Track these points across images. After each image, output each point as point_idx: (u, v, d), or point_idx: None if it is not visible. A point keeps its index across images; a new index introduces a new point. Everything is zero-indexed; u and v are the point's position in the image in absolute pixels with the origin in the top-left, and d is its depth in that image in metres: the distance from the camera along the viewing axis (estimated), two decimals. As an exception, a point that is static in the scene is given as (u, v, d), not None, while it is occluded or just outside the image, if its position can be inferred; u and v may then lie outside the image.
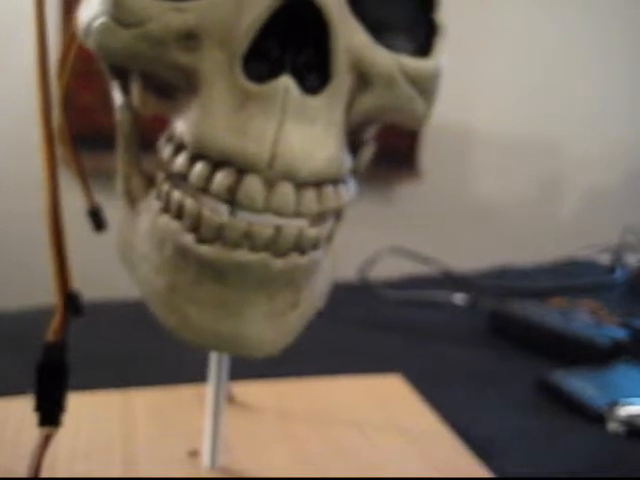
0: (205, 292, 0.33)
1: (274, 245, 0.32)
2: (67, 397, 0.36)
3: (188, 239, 0.32)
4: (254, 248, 0.32)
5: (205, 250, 0.32)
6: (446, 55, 0.39)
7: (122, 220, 0.38)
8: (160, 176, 0.35)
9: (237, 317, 0.33)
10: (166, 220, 0.34)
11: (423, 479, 0.52)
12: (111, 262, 0.42)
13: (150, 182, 0.37)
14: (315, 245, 0.34)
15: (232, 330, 0.33)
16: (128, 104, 0.37)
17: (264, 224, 0.32)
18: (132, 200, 0.38)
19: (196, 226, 0.32)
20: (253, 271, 0.32)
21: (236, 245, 0.32)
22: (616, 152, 2.21)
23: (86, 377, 0.59)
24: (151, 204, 0.36)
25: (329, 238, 0.37)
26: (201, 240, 0.32)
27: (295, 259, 0.33)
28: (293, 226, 0.33)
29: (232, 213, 0.32)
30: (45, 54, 0.37)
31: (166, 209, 0.34)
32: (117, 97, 0.38)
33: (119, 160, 0.38)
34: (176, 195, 0.33)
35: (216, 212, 0.32)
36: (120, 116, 0.37)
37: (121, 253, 0.38)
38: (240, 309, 0.33)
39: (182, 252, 0.33)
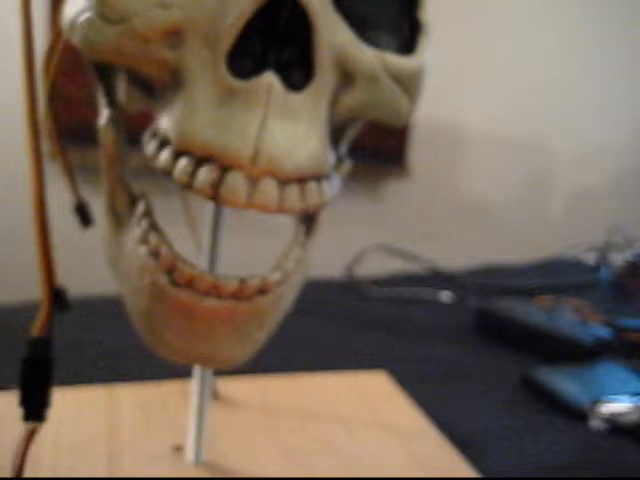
0: (178, 323, 0.34)
1: (240, 293, 0.34)
2: (52, 392, 0.36)
3: (163, 279, 0.34)
4: (221, 296, 0.34)
5: (178, 294, 0.34)
6: (436, 54, 0.39)
7: (107, 232, 0.39)
8: (141, 206, 0.36)
9: (207, 344, 0.35)
10: (144, 253, 0.35)
11: (409, 479, 0.52)
12: (96, 257, 0.42)
13: (134, 200, 0.38)
14: (281, 283, 0.36)
15: (203, 353, 0.35)
16: (112, 119, 0.37)
17: (229, 278, 0.34)
18: (116, 216, 0.38)
19: (171, 270, 0.34)
20: (221, 314, 0.34)
21: (206, 293, 0.33)
22: (604, 153, 2.22)
23: (71, 372, 0.59)
24: (132, 229, 0.36)
25: (299, 261, 0.38)
26: (175, 283, 0.34)
27: (260, 300, 0.35)
28: (256, 277, 0.34)
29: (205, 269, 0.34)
30: (31, 48, 0.37)
31: (144, 241, 0.35)
32: (102, 110, 0.38)
33: (104, 176, 0.38)
34: (152, 239, 0.34)
35: (188, 265, 0.34)
36: (104, 135, 0.37)
37: (108, 264, 0.39)
38: (210, 339, 0.35)
39: (158, 288, 0.34)
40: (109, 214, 0.38)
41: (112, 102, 0.37)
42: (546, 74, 2.06)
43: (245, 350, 0.36)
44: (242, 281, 0.34)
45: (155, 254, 0.34)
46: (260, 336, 0.37)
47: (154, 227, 0.35)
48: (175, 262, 0.33)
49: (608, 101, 2.18)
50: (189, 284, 0.33)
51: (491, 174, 2.08)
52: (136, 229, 0.36)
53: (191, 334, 0.34)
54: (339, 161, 0.39)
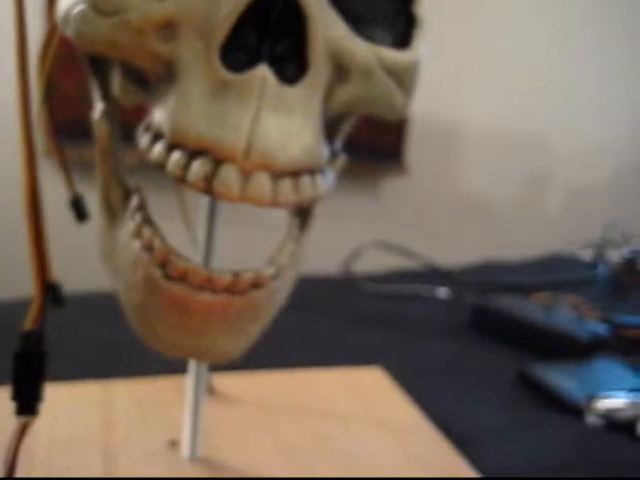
0: (172, 317, 0.34)
1: (234, 287, 0.34)
2: (44, 386, 0.36)
3: (157, 273, 0.34)
4: (216, 290, 0.34)
5: (172, 288, 0.33)
6: (434, 50, 0.39)
7: (101, 226, 0.39)
8: (135, 200, 0.36)
9: (201, 338, 0.35)
10: (137, 247, 0.35)
11: (405, 478, 0.52)
12: (92, 254, 0.42)
13: (128, 194, 0.38)
14: (274, 277, 0.36)
15: (197, 347, 0.35)
16: (106, 114, 0.37)
17: (223, 272, 0.33)
18: (111, 209, 0.38)
19: (164, 264, 0.34)
20: (215, 308, 0.34)
21: (200, 287, 0.33)
22: (602, 150, 2.22)
23: (66, 368, 0.59)
24: (127, 222, 0.36)
25: (293, 255, 0.38)
26: (168, 276, 0.34)
27: (255, 294, 0.35)
28: (250, 271, 0.34)
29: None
30: (25, 43, 0.37)
31: (138, 234, 0.35)
32: (96, 103, 0.38)
33: (98, 170, 0.38)
34: (146, 233, 0.34)
35: (181, 258, 0.33)
36: (98, 129, 0.37)
37: (102, 258, 0.39)
38: (204, 333, 0.35)
39: (151, 282, 0.34)
40: (103, 208, 0.38)
41: (106, 95, 0.37)
42: (545, 72, 2.06)
43: (239, 344, 0.36)
44: (236, 275, 0.34)
45: (149, 248, 0.34)
46: (254, 330, 0.37)
47: (148, 221, 0.35)
48: (168, 256, 0.33)
49: (607, 99, 2.18)
50: (183, 278, 0.33)
51: (489, 171, 2.08)
52: (130, 223, 0.36)
53: (185, 328, 0.34)
54: (334, 156, 0.39)
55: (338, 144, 0.40)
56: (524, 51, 2.02)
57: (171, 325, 0.34)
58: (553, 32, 2.04)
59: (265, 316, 0.37)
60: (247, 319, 0.36)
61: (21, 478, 0.45)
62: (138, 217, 0.35)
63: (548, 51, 2.05)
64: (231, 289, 0.34)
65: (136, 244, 0.35)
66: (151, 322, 0.35)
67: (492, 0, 1.96)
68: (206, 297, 0.33)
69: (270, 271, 0.36)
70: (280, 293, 0.38)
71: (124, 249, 0.36)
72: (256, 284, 0.35)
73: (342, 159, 0.40)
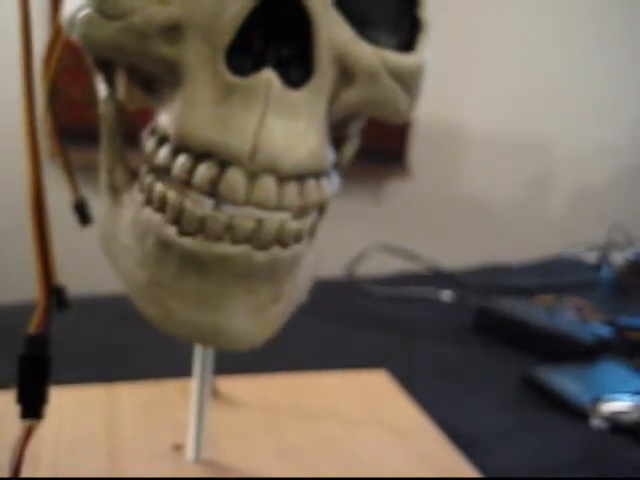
0: (187, 285, 0.33)
1: (256, 238, 0.32)
2: (49, 389, 0.36)
3: (170, 232, 0.32)
4: (236, 241, 0.32)
5: (187, 242, 0.32)
6: (437, 53, 0.39)
7: (105, 212, 0.39)
8: (143, 169, 0.35)
9: (218, 310, 0.33)
10: (148, 213, 0.34)
11: (409, 479, 0.52)
12: (97, 257, 0.42)
13: (133, 175, 0.37)
14: (297, 238, 0.35)
15: (213, 323, 0.33)
16: (112, 96, 0.37)
17: (246, 217, 0.32)
18: (115, 193, 0.38)
19: (178, 218, 0.32)
20: (235, 264, 0.32)
21: (218, 238, 0.32)
22: (604, 151, 2.22)
23: (71, 372, 0.59)
24: (134, 197, 0.36)
25: (312, 232, 0.37)
26: (183, 233, 0.32)
27: (277, 252, 0.33)
28: (275, 219, 0.33)
29: (215, 206, 0.32)
30: (29, 47, 0.37)
31: (149, 202, 0.34)
32: (101, 89, 0.38)
33: (103, 152, 0.38)
34: (158, 187, 0.33)
35: (199, 204, 0.32)
36: (104, 108, 0.37)
37: (104, 246, 0.38)
38: (222, 302, 0.33)
39: (164, 245, 0.33)
40: (107, 191, 0.38)
41: (113, 85, 0.37)
42: (546, 73, 2.06)
43: (258, 327, 0.35)
44: (259, 221, 0.32)
45: (161, 206, 0.33)
46: (274, 313, 0.35)
47: (160, 178, 0.34)
48: (184, 204, 0.32)
49: (608, 100, 2.18)
50: (200, 228, 0.32)
51: (492, 173, 2.08)
52: (138, 195, 0.35)
53: (201, 298, 0.33)
54: (347, 140, 0.39)
55: (352, 129, 0.39)
56: (525, 53, 2.02)
57: (185, 297, 0.33)
58: (554, 34, 2.04)
59: (286, 297, 0.36)
60: (268, 292, 0.34)
61: (26, 478, 0.45)
62: (149, 178, 0.34)
63: (549, 53, 2.05)
64: (253, 239, 0.32)
65: (147, 211, 0.34)
66: (162, 298, 0.33)
67: (493, 3, 1.96)
68: (225, 248, 0.32)
69: (294, 225, 0.34)
70: (300, 276, 0.37)
71: (132, 225, 0.35)
72: (279, 239, 0.33)
73: (354, 143, 0.40)
